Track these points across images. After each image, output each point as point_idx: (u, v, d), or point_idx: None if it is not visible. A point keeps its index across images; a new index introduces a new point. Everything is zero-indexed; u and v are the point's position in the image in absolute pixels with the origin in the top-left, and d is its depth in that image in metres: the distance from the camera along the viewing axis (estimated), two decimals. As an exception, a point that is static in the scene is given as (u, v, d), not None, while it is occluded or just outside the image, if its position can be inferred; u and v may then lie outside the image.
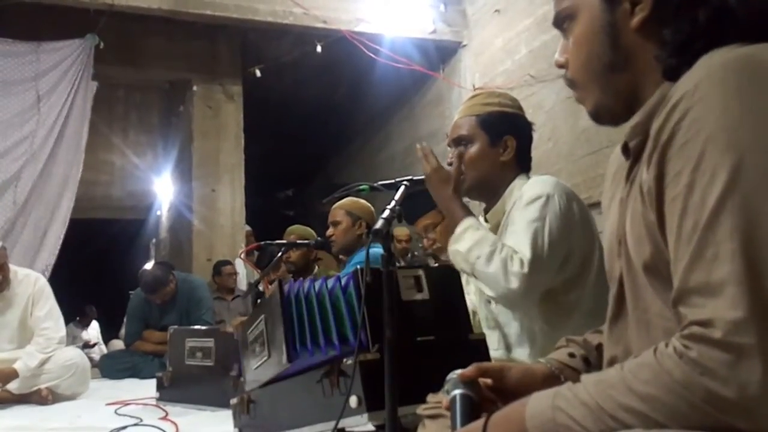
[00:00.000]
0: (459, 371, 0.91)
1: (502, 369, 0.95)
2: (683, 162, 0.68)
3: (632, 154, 0.83)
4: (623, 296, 0.85)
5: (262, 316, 1.76)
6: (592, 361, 0.99)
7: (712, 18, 0.75)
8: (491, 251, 1.50)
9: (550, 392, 0.75)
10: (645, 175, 0.75)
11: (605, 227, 0.94)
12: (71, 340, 7.62)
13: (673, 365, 0.66)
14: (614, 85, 0.84)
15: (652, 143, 0.73)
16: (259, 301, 3.52)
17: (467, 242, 1.54)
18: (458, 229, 1.57)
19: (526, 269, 1.47)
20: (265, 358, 1.74)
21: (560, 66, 0.91)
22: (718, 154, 0.66)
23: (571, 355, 1.00)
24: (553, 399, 0.73)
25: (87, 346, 7.36)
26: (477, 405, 0.87)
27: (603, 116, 0.88)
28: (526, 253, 1.49)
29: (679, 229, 0.69)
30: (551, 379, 0.95)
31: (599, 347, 0.98)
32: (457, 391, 0.88)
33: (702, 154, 0.67)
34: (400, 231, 4.95)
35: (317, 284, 1.63)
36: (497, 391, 0.93)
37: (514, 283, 1.47)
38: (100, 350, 6.91)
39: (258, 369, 1.83)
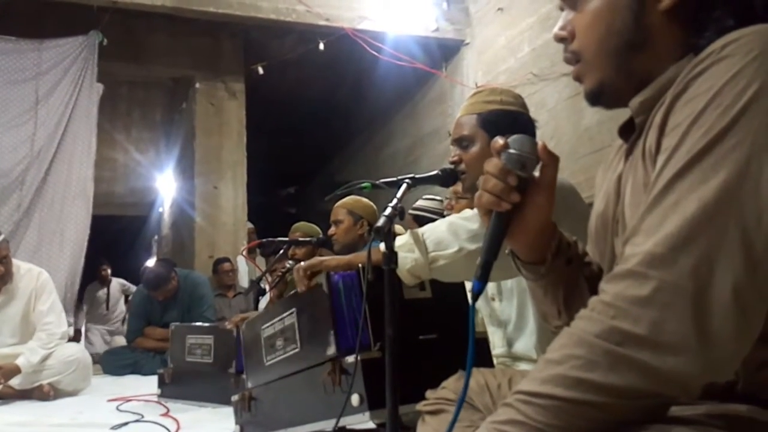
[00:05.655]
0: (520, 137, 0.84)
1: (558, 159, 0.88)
2: (685, 115, 0.66)
3: (638, 128, 0.80)
4: None
5: (293, 309, 1.73)
6: None
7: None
8: (436, 225, 1.49)
9: None
10: (650, 137, 0.73)
11: (592, 212, 0.92)
12: (91, 302, 7.25)
13: (585, 322, 0.64)
14: (629, 64, 0.80)
15: (669, 98, 0.70)
16: (269, 297, 3.53)
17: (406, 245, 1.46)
18: (397, 244, 1.42)
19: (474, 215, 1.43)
20: (296, 350, 1.72)
21: (560, 39, 0.86)
22: (720, 113, 0.63)
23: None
24: None
25: (71, 340, 7.12)
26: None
27: (605, 95, 0.84)
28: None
29: (657, 178, 0.66)
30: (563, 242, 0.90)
31: None
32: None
33: (703, 110, 0.65)
34: None
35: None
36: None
37: (461, 215, 1.44)
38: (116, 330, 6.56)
39: (275, 364, 1.81)
